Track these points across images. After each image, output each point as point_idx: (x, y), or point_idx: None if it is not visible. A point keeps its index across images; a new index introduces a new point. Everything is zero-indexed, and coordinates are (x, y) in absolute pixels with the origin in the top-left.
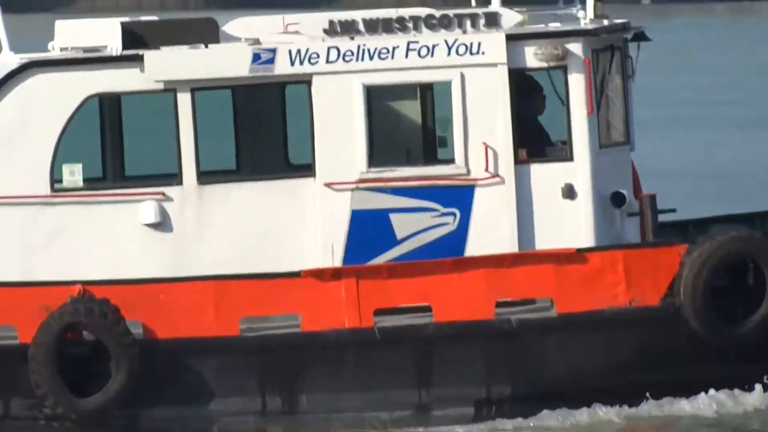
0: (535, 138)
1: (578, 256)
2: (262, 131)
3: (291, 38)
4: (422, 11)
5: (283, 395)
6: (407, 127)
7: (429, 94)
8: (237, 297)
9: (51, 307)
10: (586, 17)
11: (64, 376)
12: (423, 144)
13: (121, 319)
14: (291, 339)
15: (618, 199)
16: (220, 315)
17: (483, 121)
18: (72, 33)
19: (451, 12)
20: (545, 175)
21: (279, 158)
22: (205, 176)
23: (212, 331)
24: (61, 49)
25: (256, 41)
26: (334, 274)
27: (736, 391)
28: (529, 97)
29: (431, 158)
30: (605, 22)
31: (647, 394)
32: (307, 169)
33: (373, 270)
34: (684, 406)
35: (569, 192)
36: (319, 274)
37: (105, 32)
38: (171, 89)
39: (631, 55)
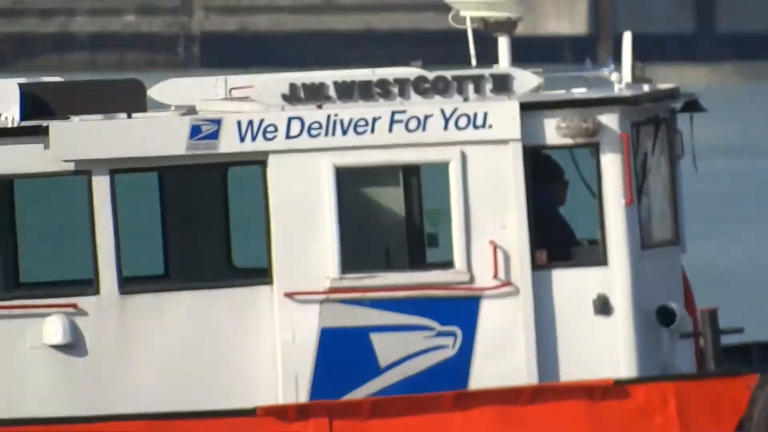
0: (557, 235)
1: (617, 389)
2: (199, 225)
3: (239, 106)
4: (411, 72)
5: None
6: (390, 220)
7: (415, 180)
8: None
9: None
10: (621, 81)
11: None
12: (408, 243)
13: None
14: None
15: (666, 316)
16: None
17: (490, 213)
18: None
19: (448, 74)
20: (572, 284)
21: (220, 261)
22: (130, 284)
23: None
24: None
25: (192, 109)
26: (300, 412)
27: None
28: (549, 184)
29: (418, 261)
30: (646, 88)
31: None
32: (261, 275)
33: (351, 407)
34: None
35: (603, 306)
36: (280, 413)
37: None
38: (84, 171)
39: (680, 129)
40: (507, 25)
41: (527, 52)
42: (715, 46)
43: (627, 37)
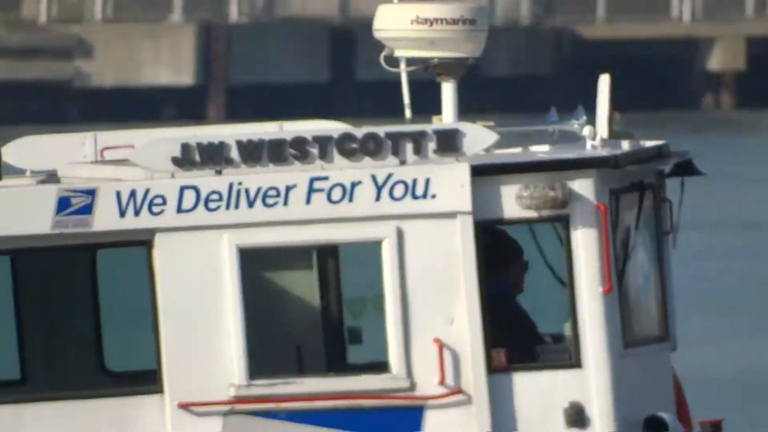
0: (518, 331)
1: None
2: (62, 320)
3: (115, 172)
4: (334, 129)
5: None
6: (304, 313)
7: (333, 261)
8: None
9: None
10: (595, 137)
11: None
12: (325, 340)
13: None
14: None
15: (655, 429)
16: None
17: (434, 304)
18: None
19: (380, 130)
20: (538, 391)
21: (89, 363)
22: None
23: None
24: None
25: (53, 175)
26: None
27: None
28: (504, 267)
29: (337, 363)
30: (627, 145)
31: None
32: (147, 381)
33: None
34: None
35: (577, 417)
36: None
37: None
38: None
39: (670, 198)
40: (454, 68)
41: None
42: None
43: (604, 81)
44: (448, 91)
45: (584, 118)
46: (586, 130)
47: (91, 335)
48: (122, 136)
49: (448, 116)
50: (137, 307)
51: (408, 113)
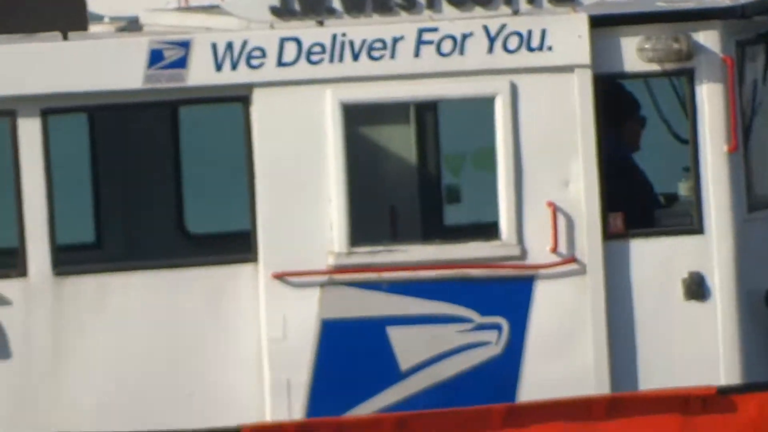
0: (636, 194)
1: (721, 399)
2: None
3: (205, 21)
4: None
5: None
6: (405, 174)
7: (430, 117)
8: None
9: None
10: None
11: None
12: (421, 203)
13: None
14: None
15: None
16: None
17: (549, 165)
18: None
19: None
20: (656, 259)
21: (169, 226)
22: (66, 263)
23: None
24: None
25: (135, 23)
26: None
27: None
28: (621, 124)
29: (438, 227)
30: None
31: None
32: (245, 250)
33: (367, 425)
34: None
35: (697, 286)
36: None
37: None
38: (7, 111)
39: None
40: None
41: None
42: None
43: None
44: None
45: None
46: None
47: (173, 197)
48: None
49: None
50: (225, 168)
51: None
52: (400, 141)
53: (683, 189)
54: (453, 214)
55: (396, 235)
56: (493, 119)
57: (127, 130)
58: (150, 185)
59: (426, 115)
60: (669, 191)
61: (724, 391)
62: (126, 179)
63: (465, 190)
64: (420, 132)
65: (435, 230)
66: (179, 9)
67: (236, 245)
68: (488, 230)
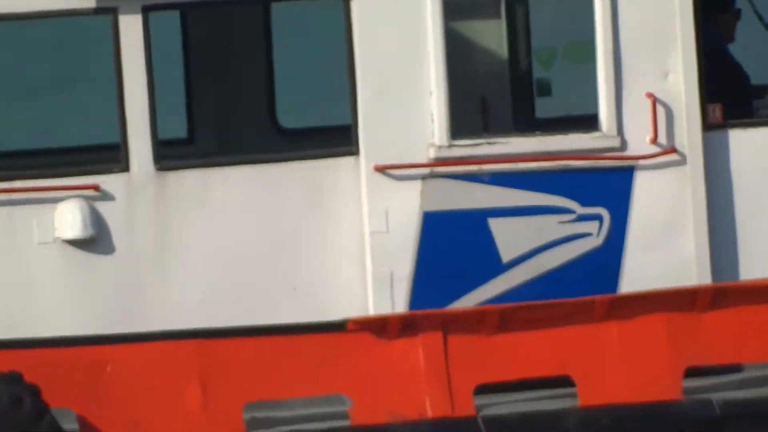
0: (734, 85)
1: None
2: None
3: None
4: None
5: None
6: (497, 66)
7: (521, 11)
8: (237, 370)
9: None
10: None
11: None
12: (512, 97)
13: (44, 408)
14: None
15: None
16: (211, 402)
17: (648, 55)
18: None
19: None
20: (755, 148)
21: (261, 119)
22: (167, 158)
23: (197, 429)
24: None
25: None
26: (404, 325)
27: None
28: (716, 15)
29: (527, 120)
30: None
31: None
32: (346, 142)
33: (471, 318)
34: None
35: None
36: (378, 327)
37: None
38: (108, 8)
39: None
40: None
41: None
42: None
43: None
44: None
45: None
46: None
47: (265, 92)
48: None
49: None
50: (319, 62)
51: None
52: (492, 35)
53: None
54: (543, 108)
55: (488, 128)
56: (585, 11)
57: (218, 27)
58: (242, 81)
59: (517, 8)
60: (763, 83)
61: None
62: (218, 75)
63: (555, 83)
64: (510, 26)
65: (527, 123)
66: None
67: (330, 139)
68: (580, 123)
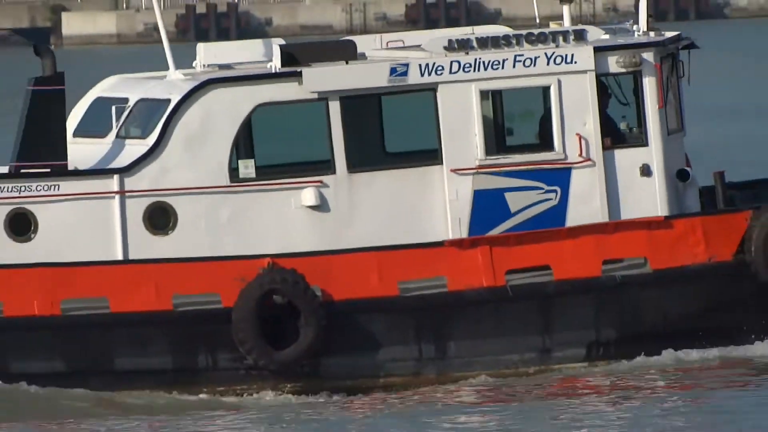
0: (612, 128)
1: (666, 222)
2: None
3: (407, 54)
4: (502, 29)
5: (435, 344)
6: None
7: (550, 96)
8: (395, 264)
9: (246, 277)
10: (639, 30)
11: (264, 334)
12: (494, 133)
13: (308, 285)
14: (440, 298)
15: (683, 175)
16: (382, 279)
17: (576, 116)
18: (214, 54)
19: (546, 30)
20: (626, 158)
21: (377, 148)
22: (354, 166)
23: (376, 293)
24: (206, 66)
25: (362, 56)
26: (472, 243)
27: None
28: (602, 97)
29: (500, 144)
30: (652, 34)
31: (721, 336)
32: (435, 158)
33: (503, 239)
34: (757, 349)
35: (646, 171)
36: (459, 244)
37: (250, 52)
38: (323, 98)
39: (682, 59)
40: None
41: None
42: None
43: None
44: (566, 11)
45: (631, 21)
46: (634, 27)
47: (378, 133)
48: (396, 35)
49: (566, 23)
50: (417, 120)
51: (537, 22)
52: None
53: None
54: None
55: (514, 152)
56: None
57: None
58: (366, 129)
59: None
60: (633, 127)
61: (668, 218)
62: (353, 128)
63: (520, 131)
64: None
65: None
66: (386, 49)
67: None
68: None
